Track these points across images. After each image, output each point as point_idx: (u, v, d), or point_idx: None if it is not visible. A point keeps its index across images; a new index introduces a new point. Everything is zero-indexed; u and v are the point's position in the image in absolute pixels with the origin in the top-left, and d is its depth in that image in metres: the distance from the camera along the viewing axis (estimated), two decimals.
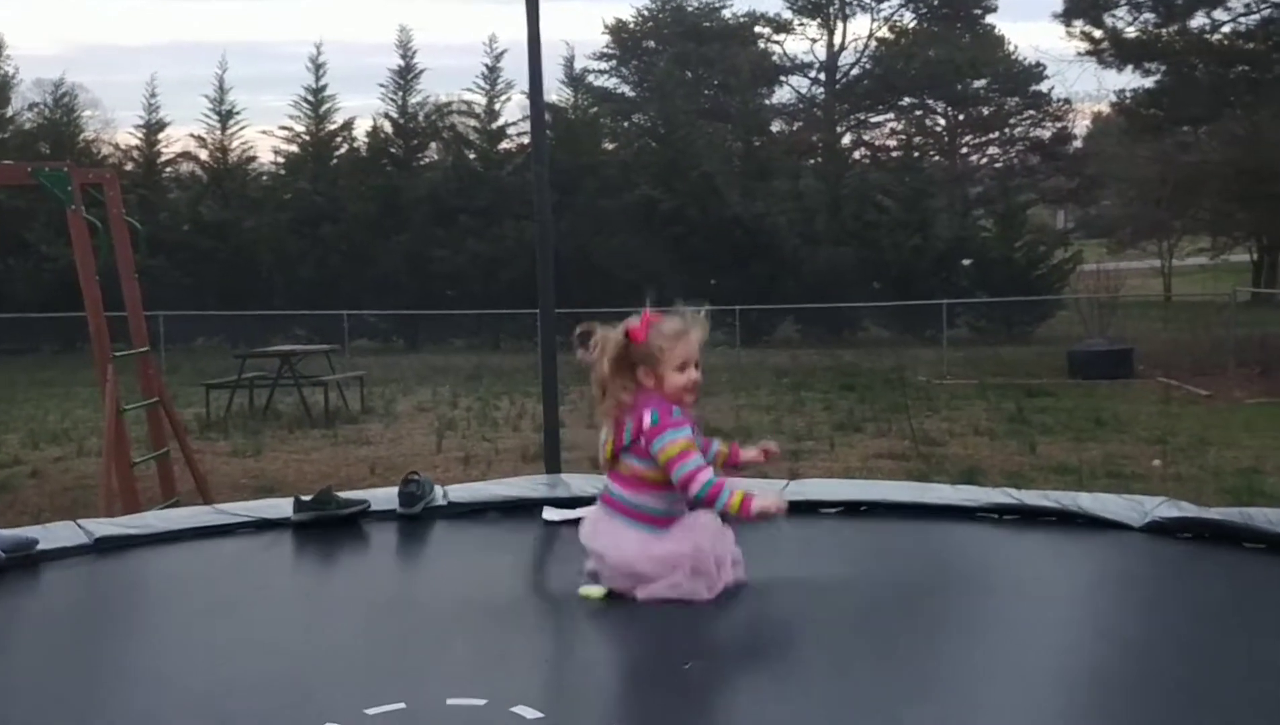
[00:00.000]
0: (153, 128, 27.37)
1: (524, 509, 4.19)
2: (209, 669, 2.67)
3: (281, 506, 4.08)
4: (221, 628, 3.01)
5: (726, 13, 39.17)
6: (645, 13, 39.49)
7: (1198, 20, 19.41)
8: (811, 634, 2.86)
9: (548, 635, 3.04)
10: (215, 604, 3.22)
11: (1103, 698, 2.48)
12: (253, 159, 28.12)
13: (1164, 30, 19.83)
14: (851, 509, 4.07)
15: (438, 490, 4.22)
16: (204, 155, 27.61)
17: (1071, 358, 17.62)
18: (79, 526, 3.80)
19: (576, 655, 2.85)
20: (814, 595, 3.14)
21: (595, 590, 3.00)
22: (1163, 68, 20.57)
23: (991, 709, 2.36)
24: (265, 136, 37.89)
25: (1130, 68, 20.65)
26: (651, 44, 39.35)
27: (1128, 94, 22.03)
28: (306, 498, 4.02)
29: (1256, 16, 18.48)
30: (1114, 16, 19.83)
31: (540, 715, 2.26)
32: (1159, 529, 3.62)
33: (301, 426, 13.18)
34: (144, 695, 2.55)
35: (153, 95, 27.43)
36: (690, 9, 38.88)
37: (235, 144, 27.59)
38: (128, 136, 28.54)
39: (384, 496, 4.16)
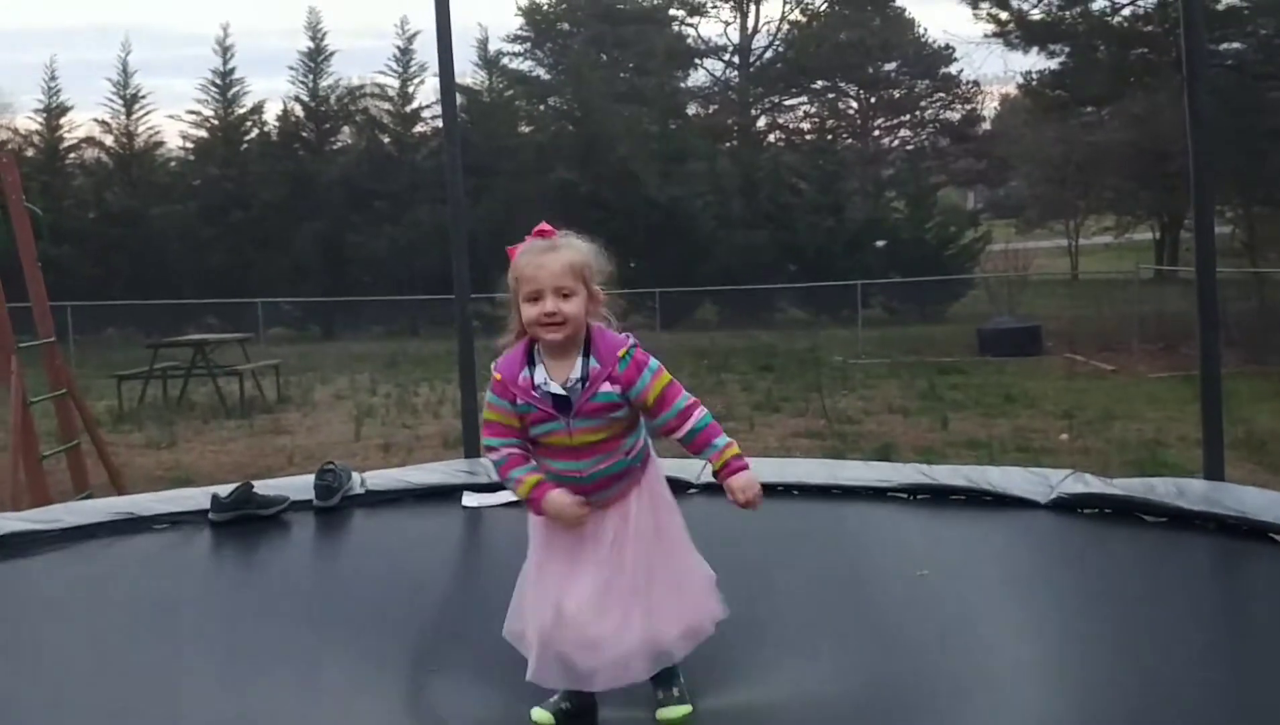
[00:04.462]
0: (54, 112, 26.57)
1: (443, 496, 4.18)
2: (124, 672, 2.62)
3: (197, 497, 4.02)
4: (137, 630, 2.96)
5: None
6: None
7: (1099, 3, 19.83)
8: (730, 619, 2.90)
9: (471, 656, 2.92)
10: (131, 607, 3.16)
11: (1000, 669, 2.56)
12: (160, 144, 27.47)
13: (1067, 12, 20.21)
14: (768, 490, 4.14)
15: (356, 478, 4.19)
16: (109, 141, 26.91)
17: (981, 336, 17.96)
18: None
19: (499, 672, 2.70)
20: (730, 579, 3.18)
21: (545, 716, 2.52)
22: (1066, 49, 20.96)
23: (905, 685, 2.43)
24: (172, 121, 36.92)
25: (1035, 49, 21.01)
26: (566, 26, 39.10)
27: (1033, 75, 22.44)
28: (224, 495, 3.95)
29: None
30: None
31: (469, 701, 2.26)
32: (1064, 505, 3.73)
33: (217, 417, 12.96)
34: (56, 702, 2.51)
35: (52, 78, 26.66)
36: None
37: (141, 129, 26.92)
38: (27, 121, 27.69)
39: (303, 485, 4.13)
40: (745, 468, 2.53)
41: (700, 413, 2.55)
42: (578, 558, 2.53)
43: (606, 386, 2.52)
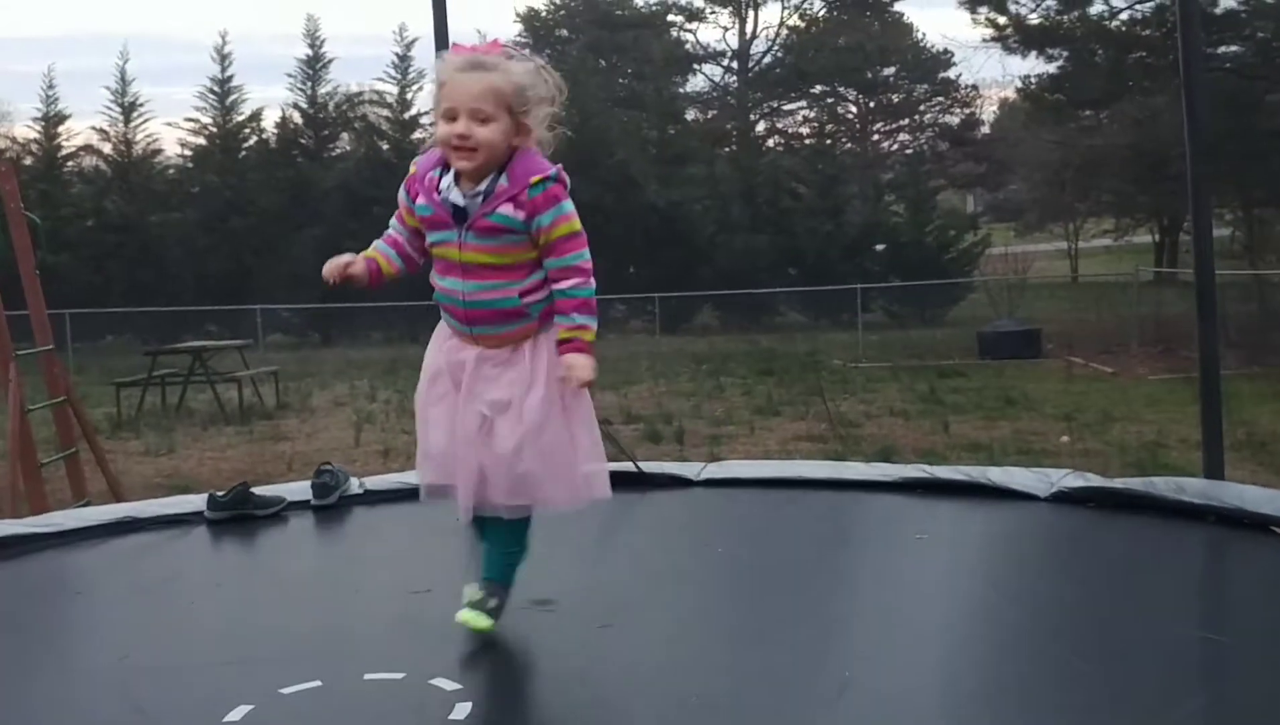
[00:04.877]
0: (52, 120, 26.59)
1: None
2: (121, 659, 2.63)
3: (195, 502, 4.03)
4: (133, 618, 2.97)
5: (639, 1, 39.18)
6: (557, 1, 39.36)
7: (1097, 7, 19.88)
8: (725, 605, 2.90)
9: (469, 649, 3.00)
10: (126, 596, 3.18)
11: (1000, 652, 2.57)
12: (158, 152, 27.49)
13: (1065, 16, 20.24)
14: (769, 485, 4.15)
15: (353, 481, 4.19)
16: (107, 149, 26.93)
17: (982, 339, 17.97)
18: None
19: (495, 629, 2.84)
20: (728, 565, 3.18)
21: (480, 619, 2.56)
22: (1064, 53, 20.99)
23: (899, 668, 2.43)
24: (171, 129, 37.05)
25: (1034, 53, 21.04)
26: (564, 32, 39.19)
27: (1031, 79, 22.45)
28: (221, 495, 3.96)
29: (1151, 3, 18.94)
30: (1017, 3, 20.20)
31: (459, 687, 2.28)
32: (1064, 498, 3.74)
33: (216, 424, 12.95)
34: (56, 685, 2.52)
35: (50, 87, 26.68)
36: None
37: (140, 137, 26.95)
38: (25, 130, 27.74)
39: (300, 490, 4.13)
40: (589, 353, 2.42)
41: (586, 282, 2.43)
42: (451, 396, 2.54)
43: (508, 207, 2.36)
